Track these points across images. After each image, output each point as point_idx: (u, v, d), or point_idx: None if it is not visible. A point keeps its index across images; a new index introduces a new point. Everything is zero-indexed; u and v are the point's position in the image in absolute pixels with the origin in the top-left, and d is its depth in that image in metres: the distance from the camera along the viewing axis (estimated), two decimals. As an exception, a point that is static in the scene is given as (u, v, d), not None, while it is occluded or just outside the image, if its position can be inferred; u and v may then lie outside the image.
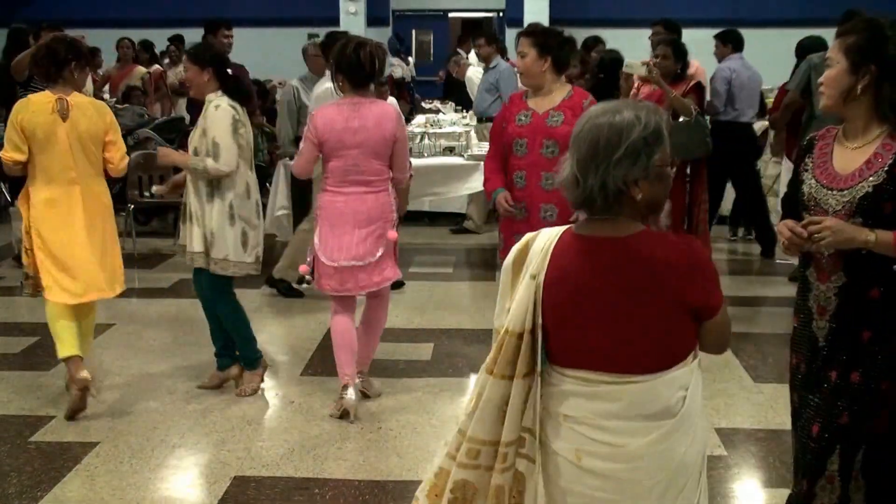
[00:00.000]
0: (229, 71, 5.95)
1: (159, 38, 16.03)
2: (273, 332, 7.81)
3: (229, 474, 5.15)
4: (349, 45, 5.78)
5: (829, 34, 8.17)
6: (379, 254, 5.87)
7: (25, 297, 6.60)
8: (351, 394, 5.82)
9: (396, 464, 5.29)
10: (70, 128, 5.81)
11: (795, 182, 3.67)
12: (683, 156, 7.94)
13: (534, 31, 5.69)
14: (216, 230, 5.89)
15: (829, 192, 3.48)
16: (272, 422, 5.85)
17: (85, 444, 5.52)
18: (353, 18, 19.06)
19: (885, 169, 3.36)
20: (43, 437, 5.62)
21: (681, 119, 7.90)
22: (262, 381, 6.33)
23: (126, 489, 4.97)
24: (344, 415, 5.81)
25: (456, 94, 14.87)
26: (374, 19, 19.13)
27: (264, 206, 8.72)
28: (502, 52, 12.81)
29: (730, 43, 10.40)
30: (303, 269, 6.13)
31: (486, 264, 10.07)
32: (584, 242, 2.80)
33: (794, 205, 3.65)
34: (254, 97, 6.02)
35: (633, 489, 2.79)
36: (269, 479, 5.11)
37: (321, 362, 6.94)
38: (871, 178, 3.38)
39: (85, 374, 5.74)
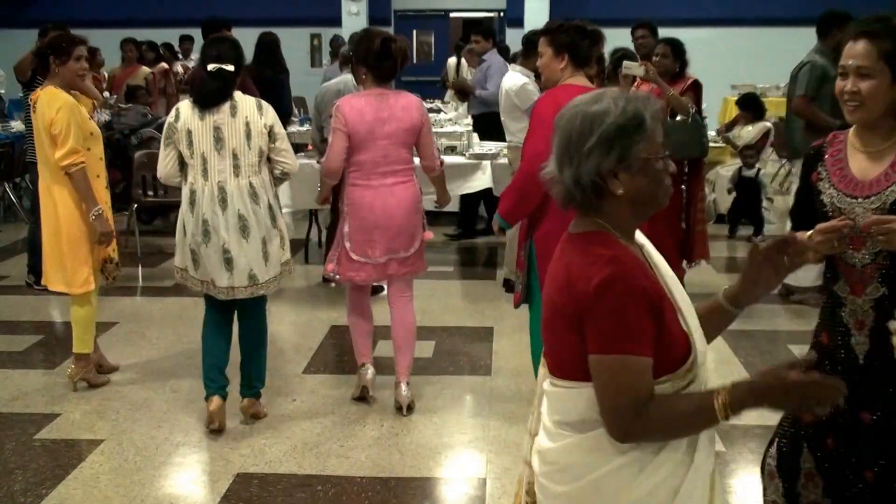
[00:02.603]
0: (210, 68, 5.43)
1: (163, 38, 16.05)
2: (275, 331, 7.84)
3: (232, 471, 5.19)
4: (376, 39, 5.68)
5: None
6: (415, 248, 5.89)
7: (29, 296, 6.65)
8: (370, 370, 6.04)
9: (399, 461, 5.33)
10: (35, 121, 6.06)
11: (805, 193, 3.39)
12: (680, 155, 7.96)
13: (548, 30, 5.48)
14: (177, 240, 5.66)
15: (854, 200, 3.17)
16: (275, 419, 5.88)
17: (89, 441, 5.56)
18: (354, 18, 19.07)
19: None
20: (48, 434, 5.67)
21: (678, 118, 7.93)
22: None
23: (130, 486, 5.01)
24: (364, 392, 6.04)
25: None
26: (375, 19, 19.12)
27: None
28: (504, 52, 12.81)
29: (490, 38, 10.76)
30: (329, 267, 5.99)
31: (487, 263, 10.12)
32: (562, 241, 2.64)
33: (806, 217, 3.31)
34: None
35: (541, 490, 2.63)
36: (272, 476, 5.15)
37: (324, 360, 6.99)
38: (893, 188, 3.09)
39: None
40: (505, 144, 9.15)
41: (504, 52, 12.78)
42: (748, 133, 11.09)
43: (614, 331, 2.37)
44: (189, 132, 5.36)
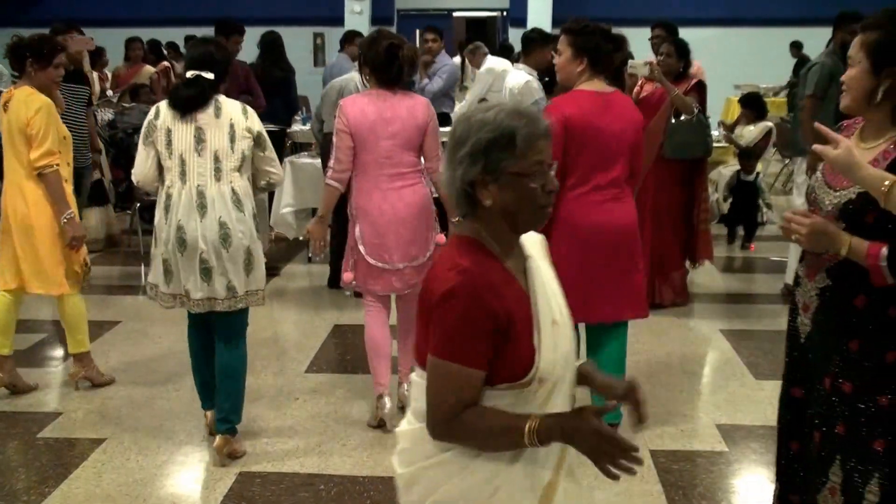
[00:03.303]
0: (189, 74, 5.15)
1: (169, 38, 16.07)
2: (278, 330, 7.85)
3: (234, 470, 5.19)
4: (383, 42, 5.52)
5: (828, 33, 8.25)
6: (429, 253, 5.65)
7: (31, 295, 6.60)
8: (387, 403, 5.69)
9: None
10: (7, 120, 5.97)
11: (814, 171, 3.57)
12: (684, 155, 7.97)
13: (571, 29, 5.22)
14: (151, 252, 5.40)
15: (828, 189, 3.33)
16: (277, 419, 5.88)
17: (92, 440, 5.56)
18: (357, 18, 19.07)
19: (884, 168, 3.14)
20: (50, 433, 5.67)
21: (682, 118, 7.93)
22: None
23: (132, 485, 5.01)
24: (381, 424, 5.69)
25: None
26: (378, 19, 19.13)
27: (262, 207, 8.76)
28: (507, 51, 12.80)
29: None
30: (347, 277, 5.69)
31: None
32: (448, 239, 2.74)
33: None
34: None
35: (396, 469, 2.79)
36: (274, 475, 5.15)
37: (326, 359, 6.99)
38: (855, 188, 3.19)
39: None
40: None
41: (507, 51, 12.77)
42: (750, 133, 11.07)
43: (449, 339, 2.47)
44: (169, 131, 5.09)
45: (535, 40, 8.87)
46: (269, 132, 9.43)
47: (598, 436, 2.40)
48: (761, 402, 6.07)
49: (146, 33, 15.26)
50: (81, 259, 6.13)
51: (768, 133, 10.98)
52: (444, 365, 2.48)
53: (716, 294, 8.83)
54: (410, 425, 2.73)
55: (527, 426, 2.43)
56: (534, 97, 8.20)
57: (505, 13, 21.60)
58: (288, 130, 10.40)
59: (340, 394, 6.26)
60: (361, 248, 5.57)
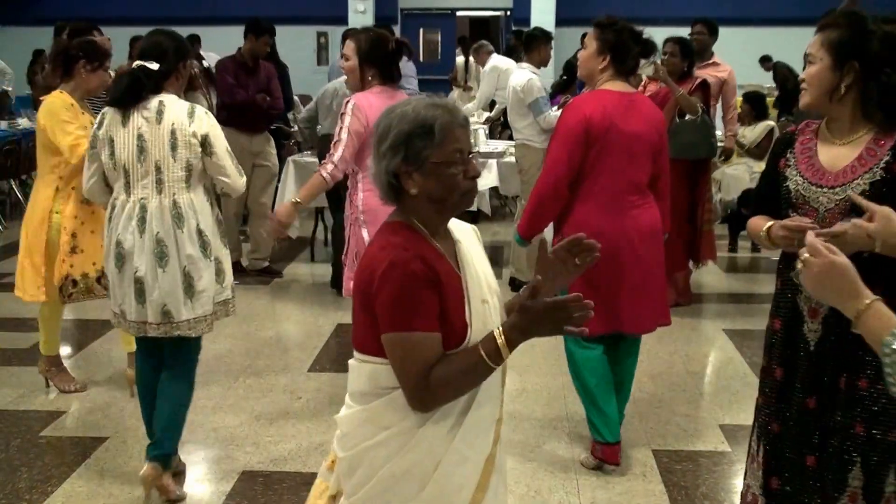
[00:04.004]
0: (134, 65, 4.76)
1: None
2: (281, 329, 7.86)
3: (237, 469, 5.19)
4: (390, 41, 5.52)
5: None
6: None
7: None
8: None
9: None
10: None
11: (770, 177, 3.51)
12: (688, 155, 7.97)
13: (599, 24, 5.00)
14: None
15: (820, 189, 3.29)
16: (280, 417, 5.88)
17: (94, 439, 5.56)
18: (361, 17, 19.06)
19: (882, 166, 3.18)
20: (53, 432, 5.67)
21: (687, 117, 7.93)
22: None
23: (135, 484, 4.98)
24: None
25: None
26: (382, 18, 19.13)
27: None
28: (511, 51, 12.77)
29: None
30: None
31: (492, 261, 10.08)
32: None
33: (768, 202, 3.48)
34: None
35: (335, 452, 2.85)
36: (277, 474, 5.15)
37: (329, 358, 6.99)
38: (866, 176, 3.19)
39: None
40: (513, 143, 9.15)
41: (512, 51, 12.75)
42: (752, 133, 11.08)
43: (397, 310, 2.55)
44: (111, 140, 4.65)
45: (538, 38, 8.87)
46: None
47: (551, 308, 2.49)
48: (764, 402, 6.06)
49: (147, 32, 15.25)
50: (60, 275, 5.87)
51: (770, 132, 10.98)
52: (400, 337, 2.56)
53: (719, 294, 8.83)
54: (349, 409, 2.79)
55: (488, 349, 2.54)
56: (534, 95, 8.21)
57: (508, 13, 21.60)
58: (290, 130, 10.40)
59: (343, 393, 6.20)
60: None
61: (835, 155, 3.31)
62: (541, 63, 8.80)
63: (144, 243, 4.62)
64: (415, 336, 2.55)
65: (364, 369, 2.72)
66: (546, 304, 2.50)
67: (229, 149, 4.87)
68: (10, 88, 15.33)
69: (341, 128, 5.37)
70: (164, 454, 4.79)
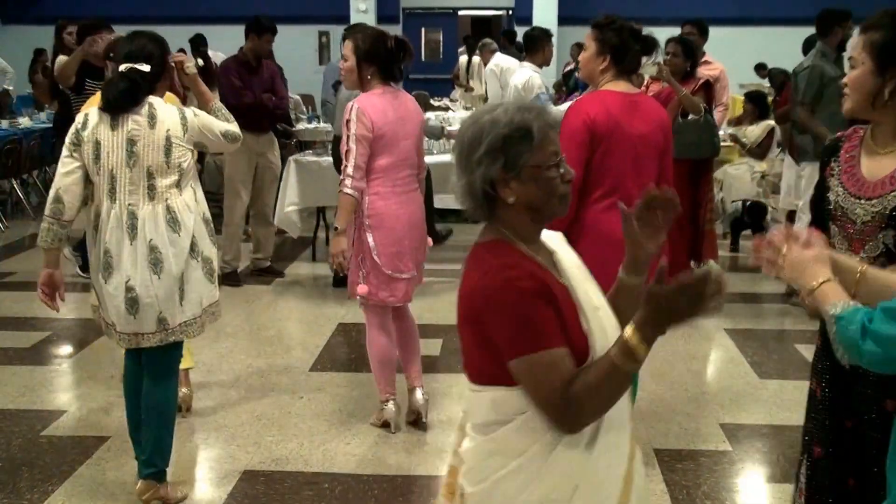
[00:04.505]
0: (122, 68, 4.55)
1: (174, 35, 16.06)
2: (282, 328, 7.86)
3: (239, 469, 5.18)
4: (389, 39, 5.36)
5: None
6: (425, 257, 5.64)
7: (35, 293, 6.58)
8: (392, 406, 5.59)
9: (405, 459, 5.31)
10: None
11: (819, 186, 3.32)
12: (692, 155, 7.97)
13: (598, 24, 4.86)
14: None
15: (857, 201, 3.11)
16: (282, 417, 5.87)
17: (96, 438, 5.56)
18: (363, 16, 19.07)
19: None
20: (54, 431, 5.66)
21: (690, 117, 7.93)
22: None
23: (136, 483, 4.99)
24: (384, 425, 5.62)
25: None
26: (384, 17, 19.15)
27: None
28: (516, 47, 12.80)
29: None
30: (362, 289, 5.36)
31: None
32: (470, 251, 2.66)
33: (821, 210, 3.28)
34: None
35: (462, 488, 2.67)
36: (278, 473, 5.14)
37: (331, 358, 6.98)
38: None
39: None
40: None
41: (516, 47, 12.76)
42: (753, 132, 11.06)
43: (519, 333, 2.42)
44: (97, 143, 4.43)
45: (539, 38, 8.87)
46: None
47: (681, 290, 2.29)
48: (765, 401, 6.07)
49: (159, 32, 15.26)
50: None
51: (771, 131, 10.96)
52: (529, 360, 2.41)
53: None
54: (473, 441, 2.64)
55: (620, 353, 2.35)
56: (534, 92, 8.22)
57: (510, 12, 21.60)
58: (292, 129, 10.40)
59: (345, 392, 6.25)
60: (377, 258, 5.30)
61: (876, 165, 3.12)
62: (543, 62, 8.79)
63: (137, 251, 4.45)
64: (543, 356, 2.40)
65: (484, 399, 2.57)
66: (674, 286, 2.29)
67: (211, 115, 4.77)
68: (11, 87, 15.35)
69: (348, 136, 5.19)
70: (159, 472, 4.74)
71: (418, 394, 5.69)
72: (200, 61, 5.44)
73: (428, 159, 6.05)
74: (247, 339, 7.45)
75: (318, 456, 5.33)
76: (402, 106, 5.36)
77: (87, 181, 4.50)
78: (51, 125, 12.35)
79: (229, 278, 8.71)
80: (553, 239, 2.74)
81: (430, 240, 5.69)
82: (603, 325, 2.56)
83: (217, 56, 13.09)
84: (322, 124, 10.03)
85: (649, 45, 4.94)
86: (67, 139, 4.50)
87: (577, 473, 2.51)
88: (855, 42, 3.16)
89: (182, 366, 5.10)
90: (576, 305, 2.54)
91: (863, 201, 3.10)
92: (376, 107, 5.22)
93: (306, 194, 9.15)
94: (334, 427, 5.71)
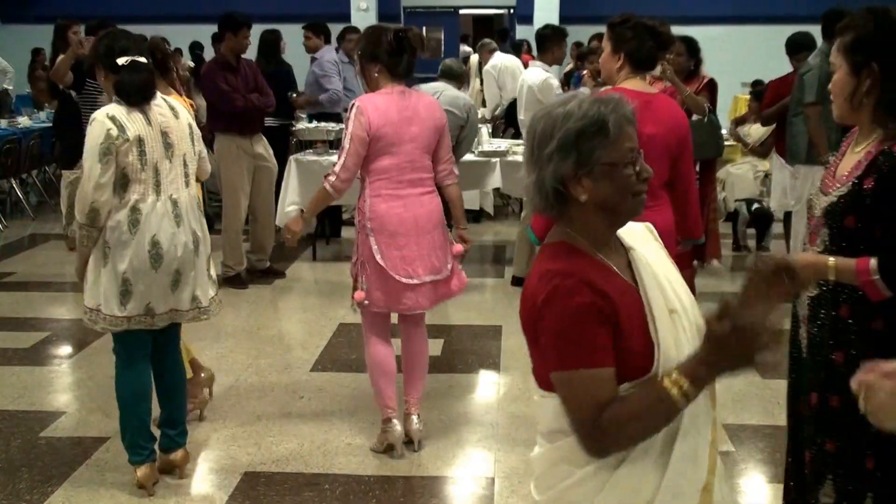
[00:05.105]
0: (121, 61, 4.56)
1: (172, 35, 16.03)
2: (283, 328, 7.83)
3: (239, 470, 5.16)
4: (388, 32, 5.12)
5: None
6: (450, 265, 5.30)
7: (35, 293, 6.63)
8: (396, 425, 5.30)
9: (406, 460, 5.29)
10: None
11: None
12: (696, 155, 7.91)
13: (611, 23, 4.85)
14: (88, 271, 4.73)
15: (821, 196, 3.23)
16: (282, 418, 5.84)
17: (95, 439, 5.54)
18: (364, 15, 19.03)
19: (853, 180, 3.08)
20: (53, 432, 5.64)
21: (694, 117, 7.90)
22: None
23: (136, 484, 4.96)
24: (388, 449, 5.33)
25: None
26: (385, 16, 19.11)
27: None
28: (517, 48, 12.76)
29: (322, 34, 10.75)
30: (359, 295, 5.18)
31: (495, 260, 10.09)
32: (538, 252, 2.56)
33: None
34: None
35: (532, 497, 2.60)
36: (279, 474, 5.12)
37: (332, 358, 6.96)
38: (842, 188, 3.11)
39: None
40: (518, 142, 9.12)
41: (518, 49, 12.74)
42: (757, 131, 11.03)
43: (561, 346, 2.32)
44: (140, 141, 4.52)
45: (549, 37, 8.80)
46: (269, 128, 9.43)
47: (736, 334, 2.17)
48: (768, 401, 6.03)
49: (149, 31, 15.19)
50: None
51: (774, 130, 10.93)
52: (569, 376, 2.32)
53: (724, 293, 8.78)
54: (541, 448, 2.56)
55: (672, 388, 2.24)
56: (553, 93, 8.15)
57: (511, 10, 21.57)
58: (292, 129, 10.37)
59: (346, 393, 6.23)
60: (382, 262, 5.10)
61: (846, 162, 3.20)
62: (554, 61, 8.72)
63: (181, 237, 4.68)
64: (582, 374, 2.30)
65: (548, 406, 2.45)
66: (731, 328, 2.17)
67: None
68: (10, 87, 15.34)
69: (345, 134, 5.09)
70: (185, 432, 5.11)
71: (414, 421, 5.42)
72: (191, 63, 5.49)
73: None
74: (247, 338, 7.42)
75: (319, 457, 5.31)
76: (409, 107, 5.13)
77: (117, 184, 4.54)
78: (50, 125, 12.35)
79: (234, 281, 8.66)
80: (636, 234, 2.61)
81: (457, 246, 5.39)
82: (677, 333, 2.40)
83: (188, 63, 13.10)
84: (323, 124, 9.98)
85: (664, 41, 4.90)
86: (99, 150, 4.44)
87: (648, 486, 2.39)
88: (834, 47, 3.18)
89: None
90: (644, 309, 2.41)
91: (822, 196, 3.22)
92: (378, 107, 5.05)
93: (307, 194, 9.09)
94: (335, 427, 5.68)
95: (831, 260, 3.04)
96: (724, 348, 2.19)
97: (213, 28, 9.49)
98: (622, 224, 2.50)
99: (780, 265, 2.66)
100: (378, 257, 5.09)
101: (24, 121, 13.38)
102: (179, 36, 16.22)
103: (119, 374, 4.92)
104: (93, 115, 4.56)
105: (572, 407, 2.34)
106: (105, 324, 4.70)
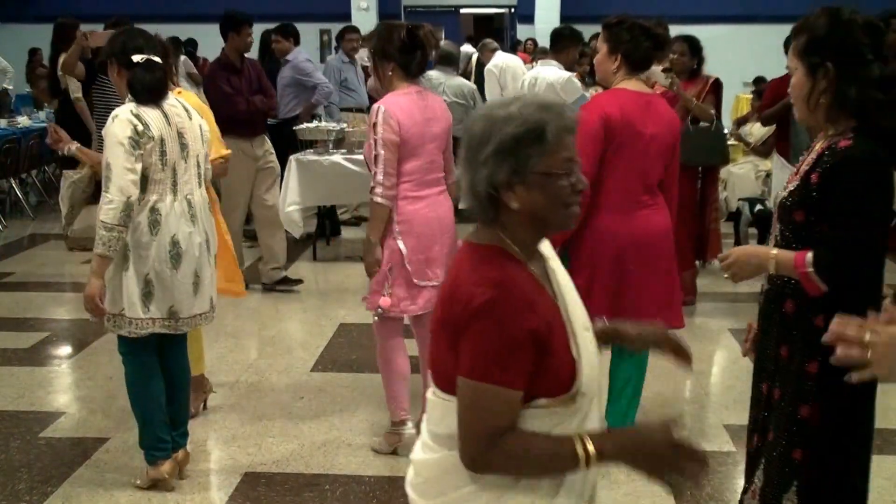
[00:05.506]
0: (136, 59, 4.56)
1: (173, 34, 16.05)
2: (284, 328, 7.81)
3: (240, 470, 5.15)
4: (401, 29, 5.02)
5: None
6: None
7: (34, 293, 6.61)
8: (411, 427, 5.22)
9: (407, 460, 5.25)
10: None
11: None
12: (702, 162, 7.96)
13: (607, 24, 4.88)
14: (108, 277, 4.61)
15: (781, 194, 3.30)
16: (283, 418, 5.83)
17: (95, 439, 5.52)
18: (364, 14, 19.05)
19: (801, 176, 3.16)
20: (53, 433, 5.62)
21: (701, 124, 7.90)
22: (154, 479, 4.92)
23: (135, 485, 4.95)
24: (394, 450, 5.30)
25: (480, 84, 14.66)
26: (385, 15, 19.11)
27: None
28: (516, 47, 12.75)
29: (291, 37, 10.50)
30: (385, 302, 5.05)
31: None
32: (460, 249, 2.51)
33: None
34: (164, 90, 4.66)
35: (411, 499, 2.58)
36: (279, 475, 5.10)
37: (332, 358, 6.94)
38: (792, 184, 3.19)
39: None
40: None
41: (514, 48, 12.72)
42: (758, 130, 11.02)
43: (485, 358, 2.26)
44: (162, 140, 4.52)
45: (566, 37, 8.75)
46: (268, 126, 9.36)
47: (673, 449, 2.25)
48: (771, 402, 6.02)
49: (151, 30, 15.23)
50: None
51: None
52: (480, 388, 2.26)
53: (725, 293, 8.77)
54: (432, 453, 2.50)
55: (580, 449, 2.25)
56: (577, 93, 8.09)
57: (513, 10, 21.58)
58: (293, 128, 10.35)
59: (346, 393, 6.21)
60: (408, 265, 5.03)
61: (806, 161, 3.26)
62: (567, 63, 8.66)
63: (197, 237, 4.70)
64: (493, 390, 2.25)
65: (449, 409, 2.38)
66: (684, 444, 2.24)
67: None
68: (10, 87, 15.34)
69: (376, 140, 4.94)
70: (186, 433, 5.10)
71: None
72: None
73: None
74: (247, 339, 7.42)
75: (319, 457, 5.29)
76: (428, 108, 5.06)
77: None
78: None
79: None
80: (545, 246, 2.56)
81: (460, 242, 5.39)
82: (590, 349, 2.41)
83: (187, 64, 13.07)
84: (322, 123, 9.96)
85: (660, 42, 4.92)
86: (128, 143, 4.40)
87: None
88: (790, 49, 3.23)
89: (194, 372, 5.41)
90: (565, 326, 2.39)
91: (781, 192, 3.31)
92: (403, 108, 4.94)
93: (307, 194, 9.08)
94: (335, 428, 5.67)
95: (773, 252, 3.16)
96: (655, 451, 2.25)
97: (211, 27, 9.45)
98: (552, 234, 2.48)
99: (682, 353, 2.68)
100: (406, 261, 5.02)
101: (23, 120, 13.38)
102: (174, 35, 16.24)
103: (134, 376, 4.84)
104: (114, 112, 4.51)
105: (471, 417, 2.30)
106: (131, 328, 4.63)
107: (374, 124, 4.94)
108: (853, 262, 3.03)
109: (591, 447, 2.25)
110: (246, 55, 8.82)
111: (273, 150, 8.88)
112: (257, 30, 9.27)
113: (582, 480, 2.41)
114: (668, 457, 2.25)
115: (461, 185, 2.43)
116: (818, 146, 3.18)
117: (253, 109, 8.51)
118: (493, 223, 2.40)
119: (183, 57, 13.19)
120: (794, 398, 3.24)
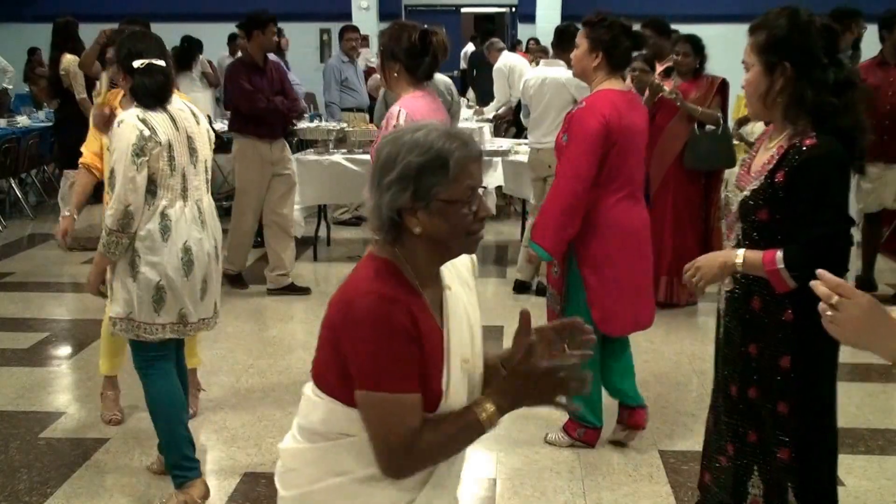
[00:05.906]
0: (136, 64, 4.50)
1: (164, 33, 16.04)
2: (284, 329, 7.80)
3: (239, 470, 5.14)
4: (413, 32, 4.94)
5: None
6: None
7: (34, 293, 6.58)
8: None
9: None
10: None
11: None
12: (709, 166, 7.96)
13: (588, 22, 5.01)
14: (113, 281, 4.59)
15: (737, 191, 3.35)
16: (283, 418, 5.81)
17: (95, 439, 5.51)
18: (364, 14, 19.04)
19: (765, 175, 3.20)
20: (53, 433, 5.62)
21: (707, 128, 7.89)
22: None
23: (136, 485, 4.96)
24: None
25: (481, 84, 14.66)
26: (386, 15, 19.10)
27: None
28: (526, 46, 12.75)
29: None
30: None
31: (497, 261, 10.05)
32: (363, 258, 2.58)
33: None
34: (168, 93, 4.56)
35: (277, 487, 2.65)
36: (279, 475, 5.08)
37: (332, 358, 6.92)
38: (754, 183, 3.23)
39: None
40: (519, 141, 9.08)
41: (513, 47, 12.70)
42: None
43: (376, 366, 2.33)
44: (170, 146, 4.47)
45: (572, 35, 8.71)
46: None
47: (544, 374, 2.35)
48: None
49: (154, 30, 15.22)
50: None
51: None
52: (379, 398, 2.33)
53: (724, 293, 8.77)
54: (297, 443, 2.59)
55: (483, 416, 2.37)
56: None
57: (513, 9, 21.57)
58: (294, 128, 10.34)
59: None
60: None
61: (760, 158, 3.32)
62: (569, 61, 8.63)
63: (206, 243, 4.66)
64: (395, 398, 2.32)
65: (319, 407, 2.49)
66: (539, 368, 2.33)
67: None
68: (10, 86, 15.34)
69: None
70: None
71: None
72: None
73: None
74: (248, 339, 7.40)
75: (320, 458, 5.27)
76: (440, 112, 5.03)
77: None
78: (49, 124, 12.34)
79: (234, 281, 8.57)
80: (459, 269, 2.63)
81: None
82: (461, 383, 2.46)
83: (203, 64, 13.05)
84: (323, 123, 9.96)
85: (639, 42, 5.11)
86: (132, 150, 4.34)
87: None
88: (746, 46, 3.29)
89: (191, 365, 5.51)
90: (442, 355, 2.44)
91: (737, 192, 3.34)
92: (420, 110, 4.83)
93: (308, 194, 9.07)
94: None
95: (740, 252, 3.22)
96: (529, 387, 2.36)
97: (211, 26, 9.45)
98: (451, 258, 2.52)
99: (563, 325, 2.59)
100: None
101: (23, 120, 13.36)
102: (174, 34, 16.22)
103: (154, 387, 4.71)
104: (120, 117, 4.47)
105: (381, 431, 2.35)
106: (140, 331, 4.57)
107: (395, 128, 4.87)
108: (825, 256, 3.04)
109: (490, 406, 2.37)
110: (269, 56, 8.63)
111: (292, 159, 8.71)
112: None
113: (447, 473, 2.53)
114: (548, 383, 2.36)
115: (366, 205, 2.48)
116: (776, 144, 3.24)
117: (273, 108, 8.29)
118: (393, 244, 2.44)
119: (201, 56, 13.12)
120: (771, 396, 3.29)
